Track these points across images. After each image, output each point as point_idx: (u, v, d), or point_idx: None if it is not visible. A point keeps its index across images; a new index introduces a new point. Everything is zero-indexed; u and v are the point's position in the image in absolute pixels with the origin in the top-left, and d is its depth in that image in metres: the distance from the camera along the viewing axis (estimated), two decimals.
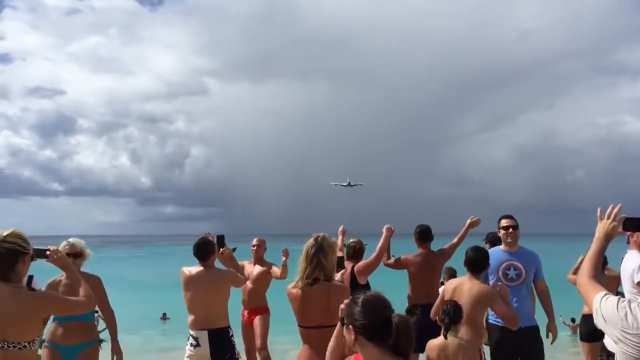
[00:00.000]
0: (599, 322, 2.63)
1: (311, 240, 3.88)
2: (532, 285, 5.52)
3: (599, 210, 2.94)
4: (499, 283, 5.25)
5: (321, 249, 3.82)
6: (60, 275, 4.77)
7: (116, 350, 5.12)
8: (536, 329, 5.30)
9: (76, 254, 5.00)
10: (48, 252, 3.47)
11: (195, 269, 5.53)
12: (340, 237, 6.67)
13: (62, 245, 4.93)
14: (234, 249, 6.03)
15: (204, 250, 5.52)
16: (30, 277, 5.98)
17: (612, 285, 6.94)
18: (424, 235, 6.57)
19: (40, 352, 4.70)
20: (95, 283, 4.79)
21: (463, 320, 4.73)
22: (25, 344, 3.10)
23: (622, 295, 4.78)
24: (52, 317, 4.77)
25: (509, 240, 5.40)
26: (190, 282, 5.47)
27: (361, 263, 6.06)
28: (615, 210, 2.87)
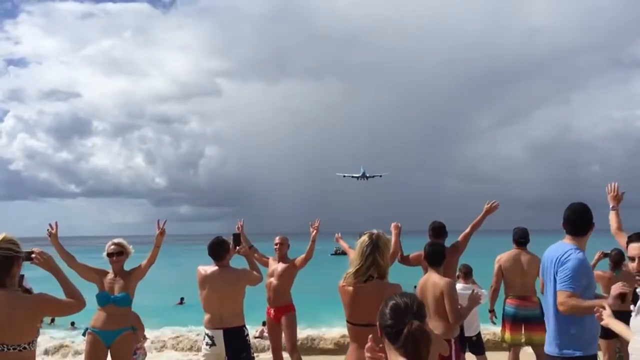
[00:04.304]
0: None
1: (365, 237, 3.72)
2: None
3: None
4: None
5: (377, 247, 3.68)
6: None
7: None
8: None
9: (120, 253, 5.48)
10: (33, 255, 3.49)
11: (210, 268, 5.56)
12: (394, 233, 6.24)
13: (108, 245, 5.51)
14: (250, 247, 6.03)
15: (218, 249, 5.56)
16: (21, 277, 6.08)
17: (630, 281, 6.87)
18: (437, 232, 6.51)
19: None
20: (139, 271, 5.51)
21: (431, 314, 4.84)
22: (25, 345, 3.21)
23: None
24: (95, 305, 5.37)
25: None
26: (206, 281, 5.51)
27: None
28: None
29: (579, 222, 4.17)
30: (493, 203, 6.51)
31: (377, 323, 2.34)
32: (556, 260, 4.05)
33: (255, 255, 6.98)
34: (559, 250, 4.12)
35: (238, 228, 6.77)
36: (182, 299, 24.02)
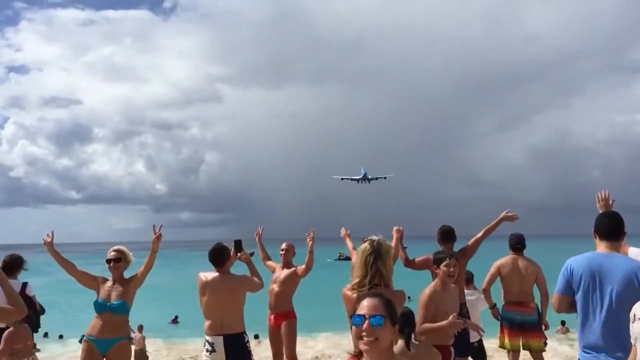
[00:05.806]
0: None
1: (367, 245, 3.68)
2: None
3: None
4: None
5: (379, 255, 3.65)
6: None
7: None
8: None
9: (118, 259, 5.45)
10: None
11: (211, 274, 5.56)
12: (395, 237, 6.10)
13: (109, 252, 5.47)
14: (251, 254, 6.04)
15: (219, 256, 5.55)
16: (25, 284, 6.08)
17: None
18: (446, 235, 6.43)
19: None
20: (137, 278, 5.45)
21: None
22: None
23: None
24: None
25: None
26: (207, 288, 5.50)
27: None
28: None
29: (619, 228, 4.05)
30: (514, 215, 6.26)
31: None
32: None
33: (268, 263, 7.39)
34: (632, 263, 3.85)
35: (257, 234, 7.28)
36: (176, 317, 23.26)
